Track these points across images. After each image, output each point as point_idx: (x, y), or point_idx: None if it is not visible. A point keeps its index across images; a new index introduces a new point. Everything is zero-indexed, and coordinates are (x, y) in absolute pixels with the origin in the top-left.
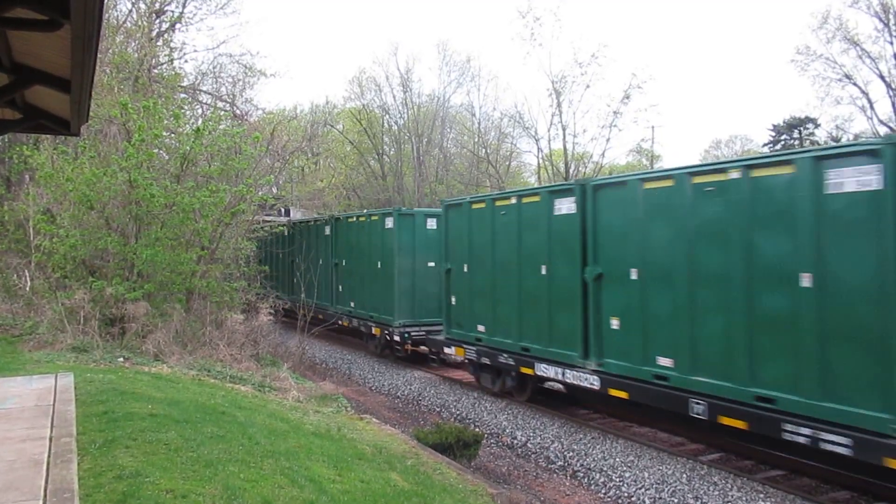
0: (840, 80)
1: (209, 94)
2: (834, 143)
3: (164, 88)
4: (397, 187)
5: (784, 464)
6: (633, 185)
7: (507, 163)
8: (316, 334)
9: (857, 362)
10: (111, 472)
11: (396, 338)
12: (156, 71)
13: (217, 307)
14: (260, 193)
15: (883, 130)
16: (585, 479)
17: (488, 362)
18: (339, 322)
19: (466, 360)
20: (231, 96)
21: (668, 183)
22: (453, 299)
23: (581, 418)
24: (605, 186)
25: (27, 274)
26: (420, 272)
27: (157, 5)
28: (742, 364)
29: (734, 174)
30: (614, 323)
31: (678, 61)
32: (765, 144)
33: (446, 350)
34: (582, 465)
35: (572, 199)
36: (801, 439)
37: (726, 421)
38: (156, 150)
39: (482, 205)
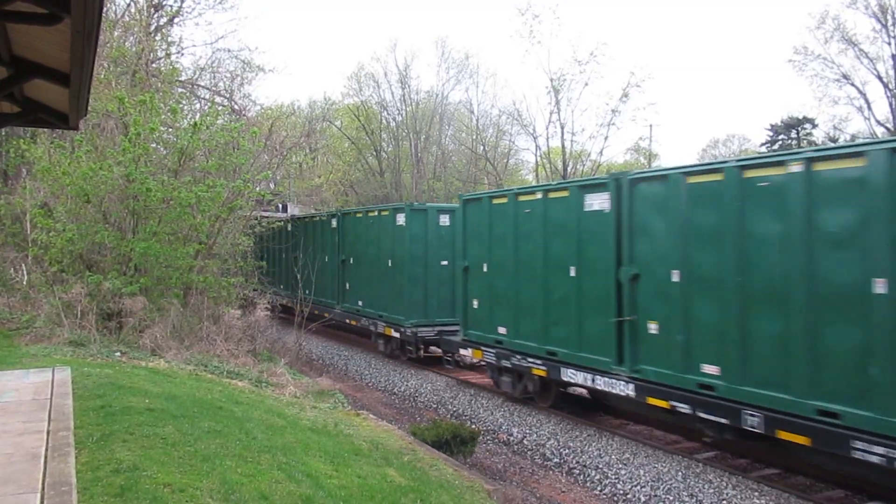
0: (838, 80)
1: (207, 89)
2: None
3: (162, 83)
4: (395, 184)
5: (779, 462)
6: (675, 179)
7: (505, 160)
8: (313, 330)
9: None
10: (109, 466)
11: (408, 337)
12: (154, 65)
13: (214, 302)
14: (257, 189)
15: (880, 131)
16: (581, 476)
17: (509, 366)
18: (347, 321)
19: (484, 363)
20: (229, 91)
21: (717, 177)
22: (472, 300)
23: (577, 416)
24: (643, 181)
25: (24, 268)
26: (432, 270)
27: None
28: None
29: (796, 167)
30: (652, 327)
31: (676, 60)
32: (762, 144)
33: (462, 352)
34: (578, 462)
35: (606, 194)
36: None
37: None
38: (153, 145)
39: (504, 199)
